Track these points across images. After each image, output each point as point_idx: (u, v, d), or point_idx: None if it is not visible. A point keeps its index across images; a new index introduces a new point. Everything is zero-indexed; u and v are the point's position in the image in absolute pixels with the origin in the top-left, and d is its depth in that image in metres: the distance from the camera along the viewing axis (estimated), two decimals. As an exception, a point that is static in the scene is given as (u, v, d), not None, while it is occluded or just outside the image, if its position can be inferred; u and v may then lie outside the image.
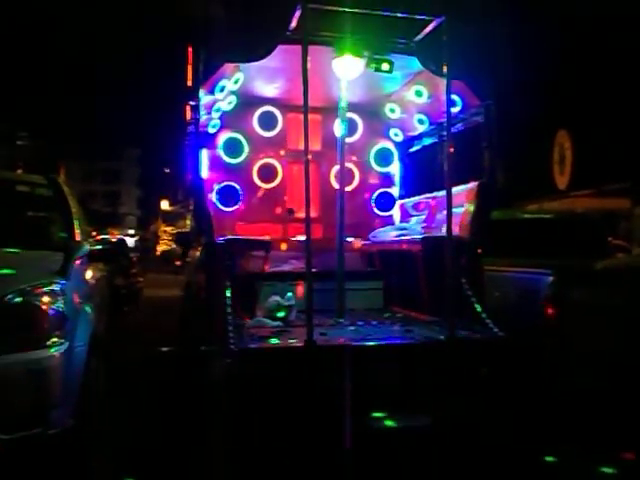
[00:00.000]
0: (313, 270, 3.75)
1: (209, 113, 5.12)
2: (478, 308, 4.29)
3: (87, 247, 4.05)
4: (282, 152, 5.93)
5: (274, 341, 3.88)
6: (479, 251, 4.59)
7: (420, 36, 4.46)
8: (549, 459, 3.71)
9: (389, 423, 3.51)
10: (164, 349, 7.46)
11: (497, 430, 3.73)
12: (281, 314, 4.56)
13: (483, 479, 3.53)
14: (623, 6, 12.01)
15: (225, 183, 5.65)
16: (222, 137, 5.71)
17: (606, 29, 12.77)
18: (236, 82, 4.99)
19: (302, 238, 4.67)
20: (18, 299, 2.94)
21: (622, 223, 11.70)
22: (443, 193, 4.42)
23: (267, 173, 5.89)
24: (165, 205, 49.69)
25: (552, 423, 4.05)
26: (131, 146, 59.30)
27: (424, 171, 6.14)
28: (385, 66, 4.59)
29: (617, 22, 12.48)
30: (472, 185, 4.74)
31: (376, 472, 3.38)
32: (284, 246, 5.67)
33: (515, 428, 3.90)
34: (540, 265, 4.71)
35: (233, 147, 5.76)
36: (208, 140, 5.44)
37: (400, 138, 6.24)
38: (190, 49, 4.51)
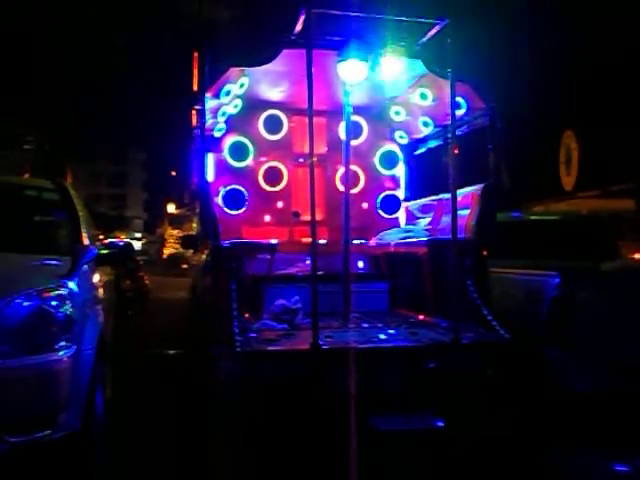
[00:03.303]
0: (319, 273, 3.76)
1: (215, 117, 5.15)
2: (484, 310, 4.29)
3: (94, 250, 4.07)
4: (287, 155, 5.94)
5: (280, 344, 3.89)
6: (485, 253, 4.59)
7: (424, 39, 4.48)
8: (554, 461, 3.70)
9: (394, 426, 3.51)
10: (170, 352, 7.50)
11: (503, 432, 3.72)
12: (287, 317, 4.57)
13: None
14: (629, 6, 11.97)
15: (231, 186, 5.67)
16: (228, 141, 5.74)
17: (612, 29, 12.73)
18: (241, 86, 5.01)
19: (308, 241, 4.68)
20: (26, 303, 2.96)
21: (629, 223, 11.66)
22: (448, 195, 4.42)
23: (273, 176, 5.91)
24: (171, 208, 49.77)
25: (557, 425, 4.04)
26: (137, 149, 59.50)
27: (429, 173, 6.15)
28: (389, 69, 4.60)
29: (623, 22, 12.44)
30: (477, 187, 4.74)
31: (381, 474, 3.39)
32: (290, 249, 5.68)
33: (520, 430, 3.89)
34: (547, 267, 4.70)
35: (239, 151, 5.78)
36: (214, 144, 5.47)
37: (405, 141, 6.25)
38: (196, 54, 4.54)
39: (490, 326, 4.16)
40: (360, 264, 5.82)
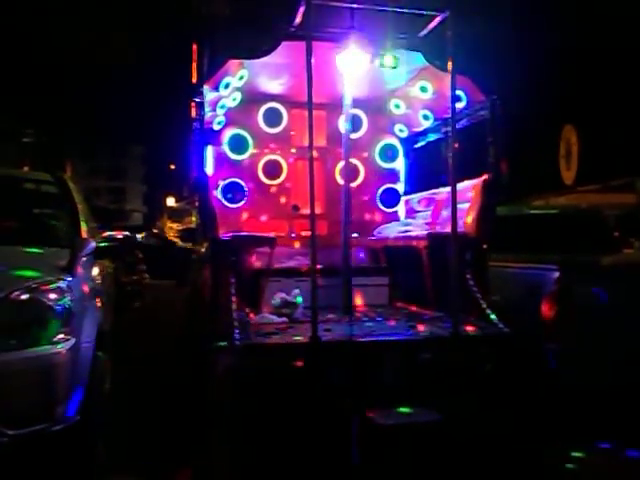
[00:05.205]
0: (318, 266, 3.76)
1: (214, 110, 5.12)
2: (483, 304, 4.28)
3: (93, 244, 4.06)
4: (287, 148, 5.93)
5: (279, 337, 3.89)
6: (484, 247, 4.58)
7: (424, 31, 4.46)
8: (552, 457, 3.71)
9: (393, 419, 3.52)
10: (169, 345, 7.49)
11: (501, 427, 3.72)
12: (287, 310, 4.57)
13: (486, 476, 3.53)
14: (629, 3, 11.94)
15: (230, 180, 5.66)
16: (227, 134, 5.72)
17: (612, 24, 12.70)
18: (241, 79, 4.99)
19: (307, 234, 4.67)
20: (25, 296, 2.96)
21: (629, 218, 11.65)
22: (448, 189, 4.41)
23: (272, 169, 5.89)
24: (171, 202, 49.75)
25: (556, 421, 4.04)
26: (136, 143, 59.34)
27: (429, 167, 6.13)
28: (389, 62, 4.58)
29: (623, 18, 12.40)
30: (477, 181, 4.73)
31: (380, 467, 3.39)
32: (289, 242, 5.68)
33: (519, 425, 3.89)
34: (545, 261, 4.70)
35: (238, 143, 5.76)
36: (213, 137, 5.45)
37: (405, 134, 6.23)
38: (194, 46, 4.51)
39: (490, 320, 4.16)
40: (360, 258, 5.82)
